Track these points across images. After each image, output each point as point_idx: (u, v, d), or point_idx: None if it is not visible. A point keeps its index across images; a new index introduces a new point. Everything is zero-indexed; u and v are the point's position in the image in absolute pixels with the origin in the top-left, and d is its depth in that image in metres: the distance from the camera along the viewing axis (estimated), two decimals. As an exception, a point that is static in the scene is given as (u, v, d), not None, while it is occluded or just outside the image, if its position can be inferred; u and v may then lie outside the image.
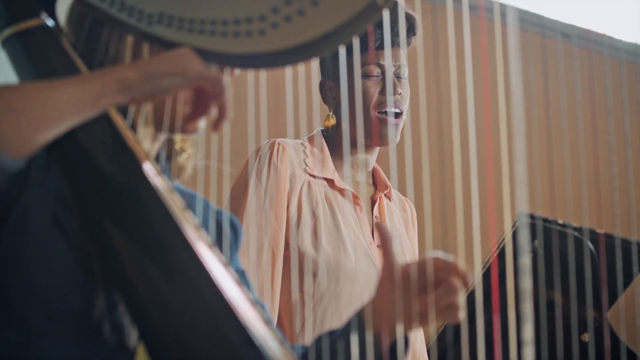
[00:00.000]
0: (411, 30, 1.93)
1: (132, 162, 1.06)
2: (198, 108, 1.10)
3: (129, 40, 1.14)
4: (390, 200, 2.04)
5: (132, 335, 1.05)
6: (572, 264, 1.90)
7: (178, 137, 1.23)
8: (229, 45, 1.09)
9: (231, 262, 1.23)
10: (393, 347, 1.18)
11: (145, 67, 1.05)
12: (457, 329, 2.14)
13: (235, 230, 1.30)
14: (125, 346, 1.05)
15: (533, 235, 2.19)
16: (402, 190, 2.07)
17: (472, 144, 1.17)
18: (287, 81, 1.22)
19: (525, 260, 1.15)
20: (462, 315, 1.14)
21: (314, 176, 1.91)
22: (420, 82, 1.27)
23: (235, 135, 1.10)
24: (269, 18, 1.09)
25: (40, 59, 1.10)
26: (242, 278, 1.19)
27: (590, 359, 2.06)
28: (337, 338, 1.22)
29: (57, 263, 1.04)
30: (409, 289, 1.16)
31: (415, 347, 1.97)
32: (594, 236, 2.21)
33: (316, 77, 1.99)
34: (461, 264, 1.15)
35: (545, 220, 2.23)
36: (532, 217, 2.18)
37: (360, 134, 1.92)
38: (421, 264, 1.16)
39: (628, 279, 2.27)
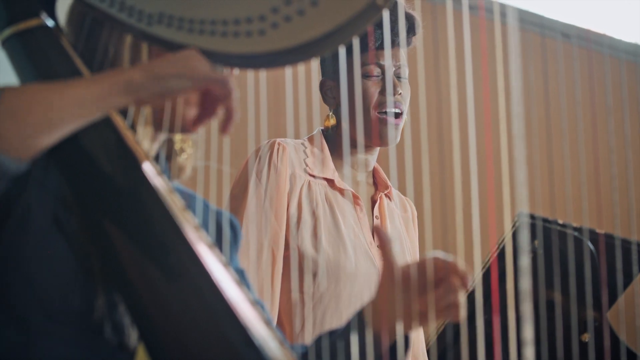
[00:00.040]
0: (411, 30, 1.93)
1: (132, 162, 1.06)
2: (205, 110, 1.10)
3: (129, 40, 1.14)
4: (390, 200, 2.03)
5: (132, 335, 1.05)
6: (572, 264, 1.90)
7: (177, 137, 1.23)
8: (229, 45, 1.09)
9: (230, 262, 1.23)
10: (393, 347, 1.18)
11: (151, 69, 1.04)
12: (457, 329, 2.14)
13: (234, 230, 1.30)
14: (125, 346, 1.05)
15: (533, 236, 2.19)
16: (402, 190, 2.06)
17: (472, 144, 1.16)
18: (287, 81, 1.22)
19: (525, 261, 1.15)
20: (463, 313, 1.14)
21: (314, 176, 1.91)
22: (420, 82, 1.27)
23: (235, 135, 1.09)
24: (269, 18, 1.09)
25: (40, 59, 1.10)
26: (241, 278, 1.19)
27: (590, 359, 2.06)
28: (337, 338, 1.22)
29: (57, 263, 1.04)
30: (409, 288, 1.16)
31: (418, 347, 1.97)
32: (594, 236, 2.21)
33: (316, 77, 1.98)
34: (461, 264, 1.15)
35: (545, 221, 2.23)
36: (532, 217, 2.18)
37: (360, 134, 1.92)
38: (421, 264, 1.16)
39: (628, 279, 2.27)
